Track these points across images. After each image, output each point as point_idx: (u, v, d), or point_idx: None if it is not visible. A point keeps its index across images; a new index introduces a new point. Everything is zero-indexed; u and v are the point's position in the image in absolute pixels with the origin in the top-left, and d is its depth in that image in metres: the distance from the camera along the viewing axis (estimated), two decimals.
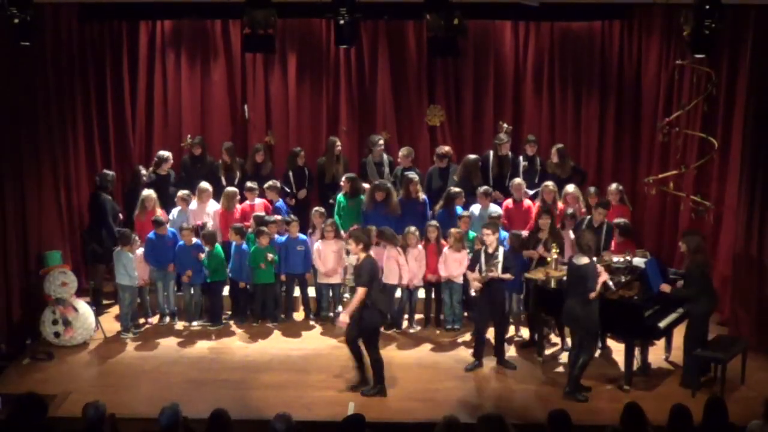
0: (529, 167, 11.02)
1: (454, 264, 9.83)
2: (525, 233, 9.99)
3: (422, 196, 10.58)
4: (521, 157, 11.11)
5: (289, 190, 11.07)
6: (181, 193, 10.69)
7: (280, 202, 10.81)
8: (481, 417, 5.81)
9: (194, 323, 10.27)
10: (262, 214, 10.45)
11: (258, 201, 10.72)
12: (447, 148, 11.09)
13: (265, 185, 10.74)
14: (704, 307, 8.45)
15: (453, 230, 9.83)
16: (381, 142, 11.16)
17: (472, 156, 10.89)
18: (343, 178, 10.69)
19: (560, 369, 9.00)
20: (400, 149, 11.17)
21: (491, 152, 11.08)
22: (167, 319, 10.34)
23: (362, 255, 8.33)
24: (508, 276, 8.84)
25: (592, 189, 10.63)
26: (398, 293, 10.17)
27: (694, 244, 8.45)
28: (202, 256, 10.08)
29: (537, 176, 10.90)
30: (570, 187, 10.45)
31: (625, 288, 8.72)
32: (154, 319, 10.38)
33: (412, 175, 10.58)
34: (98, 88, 11.25)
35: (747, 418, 6.52)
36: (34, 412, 6.05)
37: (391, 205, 10.38)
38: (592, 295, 8.06)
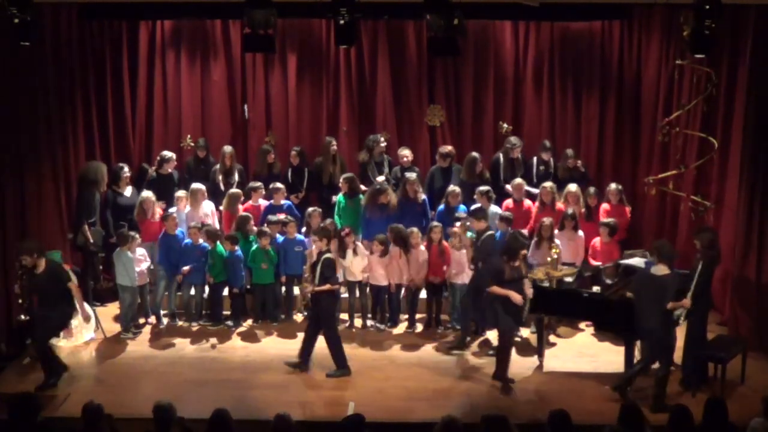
0: (544, 172, 11.01)
1: (455, 264, 9.83)
2: (525, 233, 10.01)
3: (422, 196, 10.57)
4: (535, 159, 11.11)
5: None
6: (180, 193, 10.68)
7: (288, 202, 10.78)
8: (485, 417, 5.82)
9: (194, 323, 10.27)
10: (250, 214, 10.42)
11: (262, 202, 10.70)
12: (450, 148, 11.07)
13: (270, 187, 10.70)
14: (703, 306, 8.42)
15: (455, 230, 9.82)
16: (383, 142, 11.15)
17: (473, 153, 10.89)
18: (342, 179, 10.68)
19: (560, 369, 9.01)
20: (399, 149, 11.18)
21: (500, 155, 11.08)
22: (167, 319, 10.33)
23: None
24: (327, 287, 8.76)
25: (591, 189, 10.65)
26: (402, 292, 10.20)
27: (707, 239, 8.45)
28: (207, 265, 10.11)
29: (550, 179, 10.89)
30: (572, 187, 10.46)
31: (626, 288, 8.72)
32: (154, 319, 10.38)
33: (410, 174, 10.57)
34: (98, 87, 11.25)
35: (747, 418, 6.53)
36: (28, 412, 6.06)
37: (391, 205, 10.38)
38: (670, 305, 7.92)
